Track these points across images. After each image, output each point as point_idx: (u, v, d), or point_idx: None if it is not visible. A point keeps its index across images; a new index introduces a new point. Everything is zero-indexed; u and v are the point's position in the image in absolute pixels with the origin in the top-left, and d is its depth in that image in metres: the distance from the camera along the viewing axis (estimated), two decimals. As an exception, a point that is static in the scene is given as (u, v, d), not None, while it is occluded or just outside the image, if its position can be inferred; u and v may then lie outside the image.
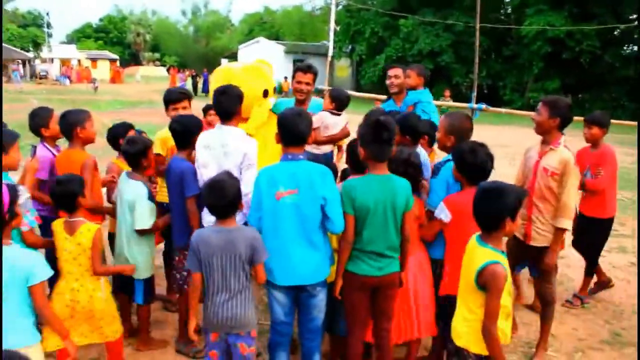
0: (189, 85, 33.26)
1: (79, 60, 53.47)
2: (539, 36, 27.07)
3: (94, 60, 56.36)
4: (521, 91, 30.97)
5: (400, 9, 31.65)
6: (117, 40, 78.06)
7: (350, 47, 35.50)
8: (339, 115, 4.92)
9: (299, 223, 3.11)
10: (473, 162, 3.31)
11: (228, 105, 3.73)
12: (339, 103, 4.95)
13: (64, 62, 50.34)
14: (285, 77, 34.05)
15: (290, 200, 3.10)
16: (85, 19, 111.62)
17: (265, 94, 4.78)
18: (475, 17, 8.87)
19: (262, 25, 64.70)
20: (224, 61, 44.51)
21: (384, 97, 13.31)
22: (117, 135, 4.57)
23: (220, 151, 3.65)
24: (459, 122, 3.82)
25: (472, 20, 30.22)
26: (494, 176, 3.19)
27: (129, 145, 3.93)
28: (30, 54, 47.16)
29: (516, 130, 20.63)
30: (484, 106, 8.31)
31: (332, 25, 11.51)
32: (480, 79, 31.62)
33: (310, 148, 4.75)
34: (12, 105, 22.89)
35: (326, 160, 4.84)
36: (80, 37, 78.66)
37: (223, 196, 2.97)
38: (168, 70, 54.15)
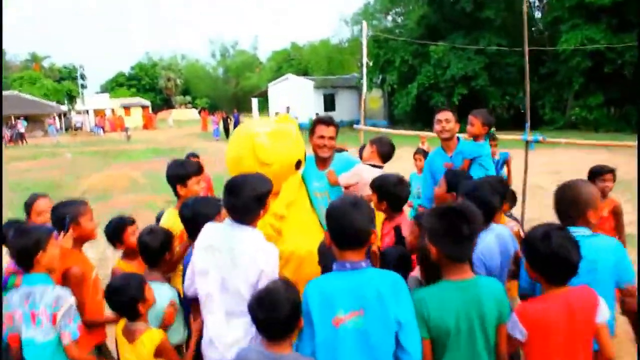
0: (220, 128, 33.04)
1: (112, 110, 54.27)
2: (578, 51, 25.98)
3: (127, 108, 57.08)
4: (562, 109, 29.76)
5: (428, 35, 31.01)
6: (149, 86, 79.42)
7: (380, 77, 34.86)
8: (381, 168, 4.16)
9: (366, 356, 2.27)
10: (548, 253, 2.41)
11: (243, 209, 2.85)
12: (384, 155, 4.24)
13: (98, 112, 51.18)
14: (317, 114, 33.60)
15: (353, 325, 2.27)
16: (118, 68, 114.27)
17: (298, 165, 4.05)
18: (523, 41, 7.98)
19: (290, 62, 64.98)
20: (254, 100, 44.67)
21: (429, 134, 12.49)
22: (117, 231, 3.81)
23: (227, 258, 2.78)
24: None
25: (503, 41, 29.62)
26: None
27: (150, 235, 3.32)
28: (65, 107, 48.03)
29: (570, 153, 19.45)
30: (540, 138, 7.39)
31: (365, 60, 10.83)
32: (517, 99, 30.62)
33: None
34: (47, 161, 22.97)
35: None
36: (113, 86, 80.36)
37: (276, 312, 2.28)
38: (199, 112, 54.51)
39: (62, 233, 3.28)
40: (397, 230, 3.47)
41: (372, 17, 35.09)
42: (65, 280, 3.13)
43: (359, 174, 4.01)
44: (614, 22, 26.02)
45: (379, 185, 3.58)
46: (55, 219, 3.36)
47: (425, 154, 7.02)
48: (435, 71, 30.87)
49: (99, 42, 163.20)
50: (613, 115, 28.29)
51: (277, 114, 39.34)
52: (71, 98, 49.58)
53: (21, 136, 34.00)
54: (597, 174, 4.97)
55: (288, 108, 29.88)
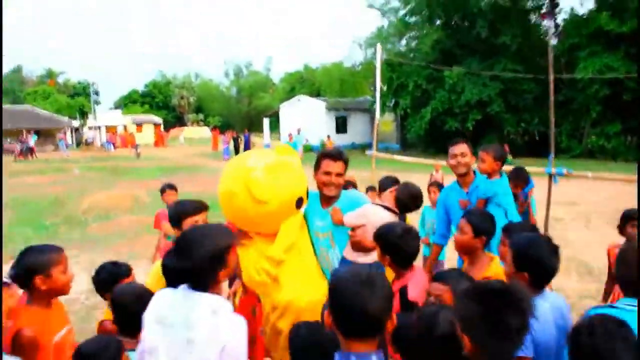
0: (230, 148, 32.76)
1: (124, 126, 54.32)
2: (596, 79, 25.48)
3: (139, 125, 57.10)
4: (579, 137, 29.18)
5: (442, 60, 30.66)
6: (163, 104, 79.67)
7: (393, 101, 34.46)
8: (395, 214, 3.65)
9: None
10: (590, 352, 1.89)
11: (198, 272, 2.27)
12: (403, 204, 3.69)
13: (110, 128, 51.22)
14: (329, 136, 33.27)
15: None
16: (132, 85, 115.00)
17: (299, 203, 3.59)
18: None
19: (302, 83, 64.94)
20: (265, 120, 44.33)
21: (442, 163, 12.03)
22: (109, 282, 3.34)
23: (180, 334, 2.17)
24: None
25: (519, 67, 29.20)
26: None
27: (124, 296, 2.91)
28: (76, 122, 48.12)
29: (582, 182, 18.91)
30: (565, 171, 6.91)
31: (378, 83, 10.43)
32: (532, 126, 30.10)
33: (356, 256, 3.49)
34: (54, 176, 22.71)
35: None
36: (127, 102, 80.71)
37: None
38: (211, 130, 54.46)
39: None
40: (403, 293, 2.96)
41: (386, 40, 34.76)
42: (15, 344, 2.58)
43: (366, 216, 3.51)
44: (633, 50, 25.55)
45: (381, 234, 3.10)
46: (20, 271, 2.77)
47: (440, 186, 6.54)
48: (449, 96, 30.44)
49: (115, 59, 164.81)
50: (630, 144, 27.66)
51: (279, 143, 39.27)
52: (83, 113, 49.73)
53: (31, 150, 33.91)
54: (630, 218, 4.42)
55: (299, 130, 29.52)
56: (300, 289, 3.46)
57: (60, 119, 44.35)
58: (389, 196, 3.71)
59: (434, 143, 33.56)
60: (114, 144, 43.26)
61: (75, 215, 12.89)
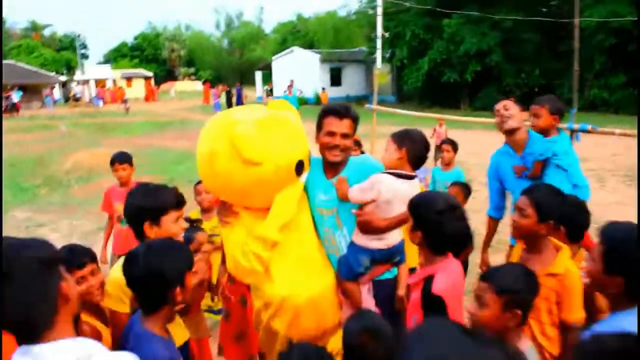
0: (222, 101, 31.83)
1: (113, 80, 53.09)
2: (602, 28, 24.50)
3: (129, 79, 55.92)
4: (581, 89, 28.33)
5: (441, 7, 29.47)
6: (152, 57, 77.84)
7: (390, 52, 33.37)
8: (411, 179, 2.83)
9: None
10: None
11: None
12: (416, 159, 2.83)
13: (99, 82, 49.95)
14: (323, 88, 32.31)
15: None
16: (121, 38, 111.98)
17: (300, 168, 2.84)
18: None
19: (295, 34, 63.37)
20: (258, 73, 43.24)
21: (449, 116, 11.27)
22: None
23: None
24: None
25: (520, 15, 28.07)
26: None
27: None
28: (63, 77, 46.73)
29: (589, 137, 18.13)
30: (589, 127, 6.20)
31: (380, 30, 9.59)
32: (532, 78, 29.22)
33: (366, 240, 2.78)
34: (39, 134, 21.88)
35: (391, 256, 2.89)
36: (116, 56, 78.96)
37: None
38: (203, 84, 53.27)
39: None
40: (428, 283, 2.38)
41: (383, -13, 33.41)
42: None
43: (377, 188, 2.73)
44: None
45: (417, 205, 2.46)
46: None
47: (453, 143, 5.86)
48: (448, 46, 29.39)
49: (102, 11, 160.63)
50: (634, 96, 26.86)
51: (267, 90, 37.56)
52: (70, 68, 48.26)
53: (15, 107, 32.82)
54: None
55: (292, 82, 28.37)
56: (299, 282, 2.78)
57: (47, 74, 42.98)
58: (395, 155, 2.82)
59: (431, 95, 32.72)
60: (103, 99, 42.16)
61: (57, 177, 12.20)
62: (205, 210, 4.76)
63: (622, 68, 25.72)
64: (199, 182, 4.52)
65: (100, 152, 14.50)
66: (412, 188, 2.80)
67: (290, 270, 2.80)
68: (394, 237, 2.85)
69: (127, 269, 2.05)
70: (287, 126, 2.85)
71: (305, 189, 3.03)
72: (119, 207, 4.73)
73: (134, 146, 16.68)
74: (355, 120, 2.98)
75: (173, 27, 78.71)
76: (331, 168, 3.03)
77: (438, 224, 2.37)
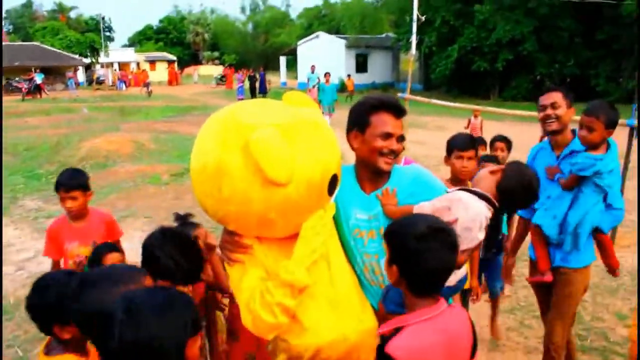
0: (245, 87, 31.25)
1: (137, 64, 52.89)
2: (643, 15, 23.30)
3: (152, 62, 55.71)
4: (617, 80, 27.13)
5: (473, -8, 28.42)
6: (177, 40, 77.57)
7: (418, 38, 32.43)
8: (490, 204, 2.17)
9: None
10: None
11: None
12: (510, 199, 2.22)
13: (123, 66, 49.74)
14: (349, 75, 31.46)
15: None
16: (146, 21, 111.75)
17: (333, 186, 2.12)
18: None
19: (321, 19, 62.61)
20: (282, 59, 42.61)
21: (485, 108, 10.50)
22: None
23: None
24: None
25: (555, 2, 26.88)
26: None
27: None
28: (87, 60, 46.57)
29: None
30: (649, 123, 5.46)
31: (416, 14, 8.86)
32: (567, 68, 28.07)
33: None
34: (60, 117, 21.56)
35: (454, 292, 2.29)
36: (141, 39, 78.90)
37: None
38: (225, 68, 52.79)
39: None
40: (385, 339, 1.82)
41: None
42: None
43: (456, 208, 2.10)
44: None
45: (393, 232, 1.85)
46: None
47: (509, 142, 5.09)
48: (479, 33, 28.33)
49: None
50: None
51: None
52: (94, 50, 48.01)
53: (39, 89, 32.60)
54: None
55: (313, 67, 27.44)
56: (334, 327, 2.13)
57: (71, 56, 42.78)
58: (487, 179, 2.23)
59: (459, 84, 31.73)
60: (126, 83, 41.86)
61: (72, 163, 11.71)
62: None
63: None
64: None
65: (117, 137, 14.04)
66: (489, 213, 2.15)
67: (322, 314, 2.12)
68: (457, 275, 2.19)
69: (97, 341, 1.37)
70: (317, 130, 2.12)
71: (337, 205, 2.33)
72: (75, 250, 3.52)
73: (153, 131, 16.22)
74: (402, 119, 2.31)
75: (198, 11, 78.48)
76: (372, 178, 2.33)
77: (417, 254, 1.73)
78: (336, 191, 2.22)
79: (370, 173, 2.32)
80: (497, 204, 2.15)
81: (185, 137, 14.43)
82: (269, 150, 1.90)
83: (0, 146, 4.94)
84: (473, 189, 2.18)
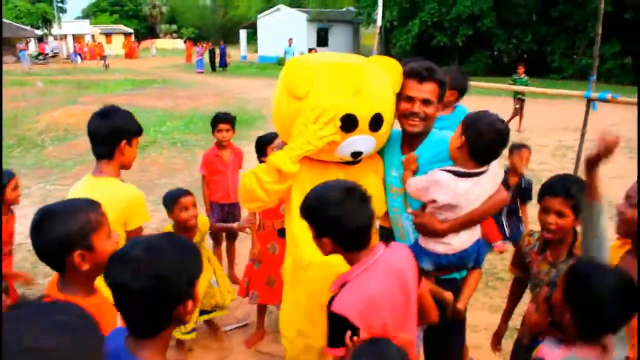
0: (205, 60, 30.82)
1: (92, 36, 51.34)
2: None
3: (108, 35, 54.17)
4: (571, 57, 27.83)
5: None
6: (133, 13, 75.37)
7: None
8: (479, 174, 2.32)
9: None
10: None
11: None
12: (479, 153, 2.29)
13: (77, 38, 48.18)
14: (312, 49, 31.33)
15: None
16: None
17: (348, 124, 2.48)
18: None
19: (281, -8, 61.72)
20: (242, 32, 42.03)
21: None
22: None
23: None
24: None
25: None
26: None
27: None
28: (39, 32, 44.93)
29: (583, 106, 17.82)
30: (608, 96, 5.72)
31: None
32: (524, 44, 28.63)
33: (430, 243, 2.35)
34: (14, 90, 20.85)
35: (460, 262, 2.46)
36: (95, 11, 76.35)
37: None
38: (185, 42, 51.71)
39: None
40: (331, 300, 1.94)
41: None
42: None
43: (433, 191, 2.29)
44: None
45: (309, 208, 1.97)
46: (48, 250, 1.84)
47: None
48: (439, 8, 28.53)
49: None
50: (627, 67, 26.33)
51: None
52: (47, 22, 46.30)
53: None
54: None
55: (290, 40, 27.24)
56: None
57: (21, 27, 41.21)
58: (457, 142, 2.32)
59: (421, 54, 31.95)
60: (81, 56, 40.64)
61: (31, 137, 11.46)
62: (185, 229, 3.69)
63: (617, 37, 25.15)
64: (184, 194, 3.67)
65: (76, 110, 13.74)
66: (480, 186, 2.32)
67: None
68: (462, 241, 2.37)
69: (119, 279, 1.37)
70: (349, 76, 2.47)
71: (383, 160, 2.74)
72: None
73: (112, 104, 15.88)
74: (441, 85, 2.51)
75: (154, -17, 76.23)
76: (409, 142, 2.61)
77: (340, 219, 1.85)
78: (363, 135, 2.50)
79: (406, 136, 2.62)
80: (477, 170, 2.31)
81: (146, 110, 14.22)
82: (291, 70, 2.52)
83: (0, 137, 4.84)
84: (455, 168, 2.31)
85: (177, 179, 8.89)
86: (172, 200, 3.62)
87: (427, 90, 2.47)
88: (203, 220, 3.88)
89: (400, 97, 2.55)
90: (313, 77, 2.45)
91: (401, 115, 2.56)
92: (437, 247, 2.34)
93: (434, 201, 2.28)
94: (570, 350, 1.72)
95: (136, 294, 1.34)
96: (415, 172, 2.47)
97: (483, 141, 2.24)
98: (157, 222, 6.63)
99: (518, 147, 4.95)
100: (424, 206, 2.37)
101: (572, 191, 2.39)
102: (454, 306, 2.46)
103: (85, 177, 2.70)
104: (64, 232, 1.74)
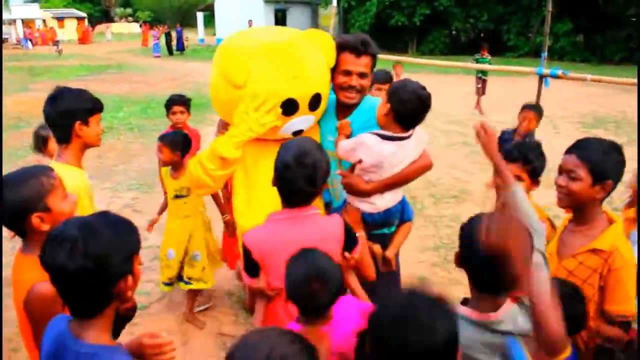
0: (162, 44, 30.26)
1: (43, 21, 49.68)
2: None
3: (60, 19, 52.37)
4: (526, 35, 28.34)
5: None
6: (86, -4, 73.27)
7: (337, -8, 32.29)
8: (398, 139, 2.46)
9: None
10: None
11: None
12: (405, 116, 2.44)
13: (27, 23, 46.58)
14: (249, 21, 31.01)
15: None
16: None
17: (289, 108, 2.62)
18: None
19: (238, -27, 60.76)
20: (199, 15, 41.31)
21: (405, 59, 10.73)
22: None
23: None
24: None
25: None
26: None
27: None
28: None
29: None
30: (559, 72, 5.89)
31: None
32: (481, 23, 29.02)
33: (357, 202, 2.53)
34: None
35: (385, 221, 2.65)
36: (45, -6, 73.93)
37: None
38: (141, 26, 50.55)
39: None
40: None
41: None
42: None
43: (359, 151, 2.46)
44: None
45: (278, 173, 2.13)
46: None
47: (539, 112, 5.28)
48: (397, -12, 28.64)
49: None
50: (579, 45, 26.96)
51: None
52: (-7, 6, 44.64)
53: None
54: None
55: (250, 22, 26.95)
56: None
57: (-33, 12, 39.69)
58: (383, 107, 2.51)
59: (377, 39, 31.55)
60: (31, 41, 39.36)
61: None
62: (175, 168, 4.03)
63: (569, 15, 25.68)
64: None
65: (28, 97, 13.39)
66: (403, 150, 2.48)
67: (266, 206, 2.32)
68: (386, 201, 2.59)
69: (55, 261, 1.36)
70: (285, 58, 2.53)
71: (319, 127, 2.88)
72: None
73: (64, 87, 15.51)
74: (374, 57, 2.68)
75: (106, -36, 74.07)
76: (343, 109, 2.76)
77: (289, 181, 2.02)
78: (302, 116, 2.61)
79: (340, 104, 2.74)
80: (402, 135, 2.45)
81: (102, 96, 13.72)
82: (227, 59, 2.59)
83: (1, 129, 4.69)
84: (381, 132, 2.46)
85: (135, 164, 8.79)
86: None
87: (363, 63, 2.64)
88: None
89: (337, 70, 2.68)
90: (249, 65, 2.50)
91: (338, 88, 2.70)
92: (363, 205, 2.54)
93: (360, 161, 2.44)
94: None
95: (73, 274, 1.35)
96: (349, 137, 2.60)
97: (405, 108, 2.41)
98: (118, 208, 6.59)
99: (522, 109, 5.22)
100: (352, 167, 2.52)
101: (529, 157, 2.66)
102: (383, 255, 2.66)
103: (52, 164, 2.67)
104: (19, 197, 1.82)
